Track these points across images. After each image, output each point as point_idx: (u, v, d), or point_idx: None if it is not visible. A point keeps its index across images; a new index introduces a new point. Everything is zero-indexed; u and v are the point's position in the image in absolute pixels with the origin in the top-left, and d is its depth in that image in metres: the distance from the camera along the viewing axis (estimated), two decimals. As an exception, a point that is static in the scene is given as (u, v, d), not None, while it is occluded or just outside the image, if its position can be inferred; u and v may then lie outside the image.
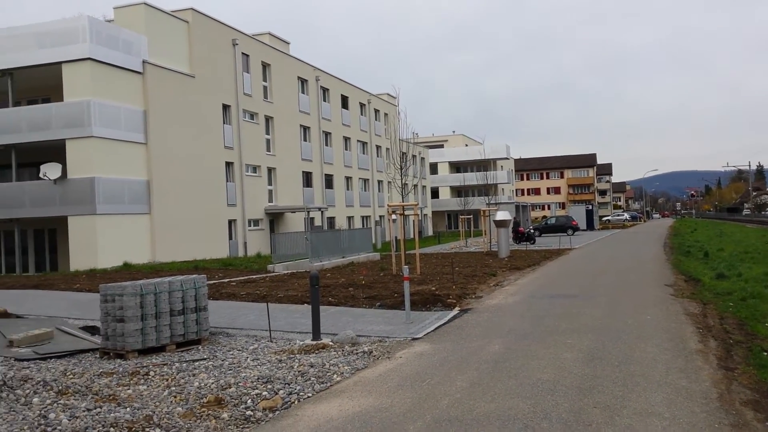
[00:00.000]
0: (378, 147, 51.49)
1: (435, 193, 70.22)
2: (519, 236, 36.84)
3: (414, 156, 40.85)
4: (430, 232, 61.81)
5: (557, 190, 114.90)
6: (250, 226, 33.37)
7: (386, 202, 50.41)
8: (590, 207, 61.95)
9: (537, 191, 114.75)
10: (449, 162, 73.44)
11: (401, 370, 7.76)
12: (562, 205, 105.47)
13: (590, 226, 58.69)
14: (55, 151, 24.97)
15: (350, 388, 7.02)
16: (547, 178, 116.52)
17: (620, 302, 12.68)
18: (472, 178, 63.48)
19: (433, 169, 70.81)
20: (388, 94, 53.99)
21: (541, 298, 13.84)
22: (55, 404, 6.72)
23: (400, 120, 32.42)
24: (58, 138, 24.47)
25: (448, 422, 5.68)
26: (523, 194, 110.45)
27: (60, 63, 24.51)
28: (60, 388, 7.33)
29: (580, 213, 59.04)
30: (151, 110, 26.70)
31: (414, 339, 9.75)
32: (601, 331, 9.66)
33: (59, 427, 6.00)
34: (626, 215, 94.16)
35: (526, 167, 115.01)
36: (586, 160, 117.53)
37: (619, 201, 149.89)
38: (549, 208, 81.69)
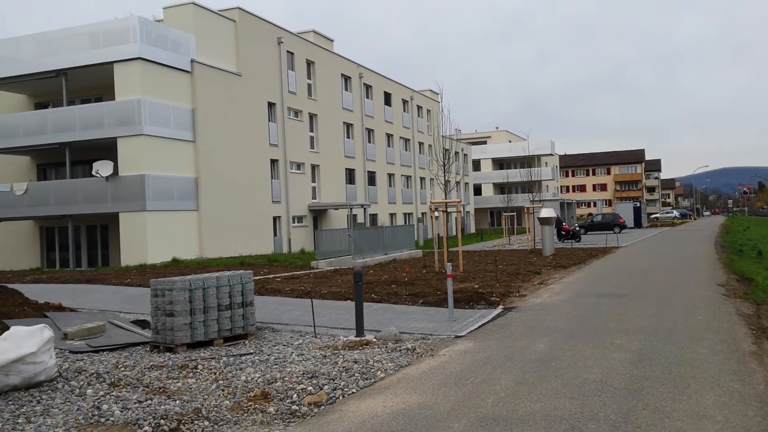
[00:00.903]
0: (420, 144, 51.38)
1: (478, 190, 69.70)
2: (564, 234, 36.28)
3: (457, 153, 40.73)
4: (473, 230, 61.42)
5: (604, 187, 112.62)
6: (294, 222, 33.74)
7: (429, 199, 50.29)
8: (638, 204, 60.57)
9: (582, 188, 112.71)
10: (492, 158, 72.77)
11: (445, 367, 7.75)
12: (609, 203, 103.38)
13: (638, 223, 57.38)
14: (107, 148, 25.70)
15: (394, 385, 7.04)
16: (594, 174, 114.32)
17: (670, 302, 12.37)
18: (515, 175, 62.85)
19: (476, 165, 70.29)
20: (431, 91, 53.80)
21: (588, 297, 13.61)
22: (107, 396, 6.93)
23: (443, 116, 32.34)
24: (110, 136, 25.18)
25: (493, 421, 5.65)
26: (568, 191, 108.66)
27: (112, 63, 25.20)
28: (112, 380, 7.57)
29: (627, 210, 57.79)
30: (198, 108, 27.24)
31: (457, 337, 9.72)
32: (650, 332, 9.45)
33: (112, 418, 6.19)
34: (675, 213, 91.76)
35: (571, 163, 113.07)
36: (634, 156, 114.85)
37: (668, 198, 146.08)
38: (595, 206, 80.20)
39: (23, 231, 29.10)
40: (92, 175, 25.25)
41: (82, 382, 7.49)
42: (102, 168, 24.78)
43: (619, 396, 6.28)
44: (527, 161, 64.59)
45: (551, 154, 76.04)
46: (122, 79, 25.18)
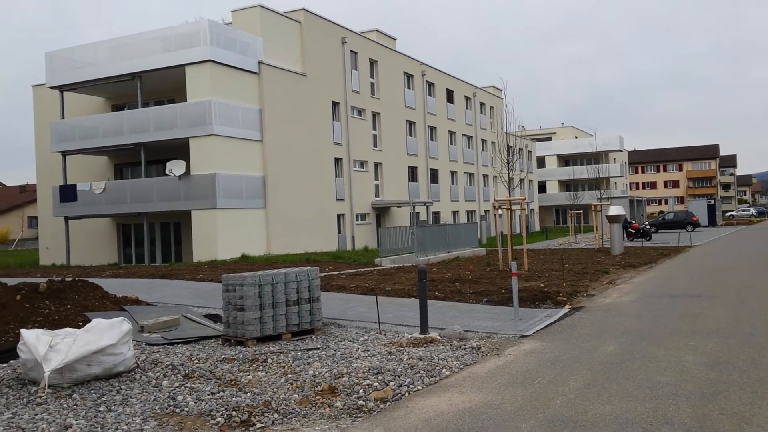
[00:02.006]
0: (483, 141, 50.89)
1: (542, 188, 68.45)
2: (633, 233, 35.19)
3: (520, 149, 40.09)
4: (537, 228, 60.36)
5: (675, 184, 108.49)
6: (357, 220, 34.06)
7: (492, 197, 49.77)
8: (712, 201, 58.10)
9: (653, 185, 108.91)
10: (557, 155, 71.30)
11: (511, 367, 7.68)
12: (681, 200, 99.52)
13: (712, 222, 55.05)
14: (180, 148, 26.64)
15: (459, 383, 7.04)
16: (665, 170, 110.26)
17: (747, 303, 11.84)
18: (582, 172, 61.32)
19: (541, 162, 69.03)
20: (494, 87, 53.18)
21: (659, 297, 13.19)
22: (182, 387, 7.21)
23: (507, 113, 31.93)
24: (183, 136, 26.09)
25: (561, 422, 5.58)
26: (637, 188, 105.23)
27: (183, 65, 26.10)
28: (187, 372, 7.86)
29: (700, 208, 55.54)
30: (266, 109, 27.87)
31: (523, 336, 9.61)
32: (726, 334, 9.08)
33: (186, 409, 6.44)
34: (752, 210, 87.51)
35: (641, 159, 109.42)
36: (708, 152, 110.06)
37: (745, 195, 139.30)
38: (666, 203, 77.38)
39: (102, 228, 30.53)
40: (166, 174, 26.23)
41: (158, 374, 7.82)
42: (175, 167, 25.70)
43: (693, 400, 6.07)
44: (594, 157, 62.94)
45: (619, 150, 73.86)
46: (193, 81, 26.03)
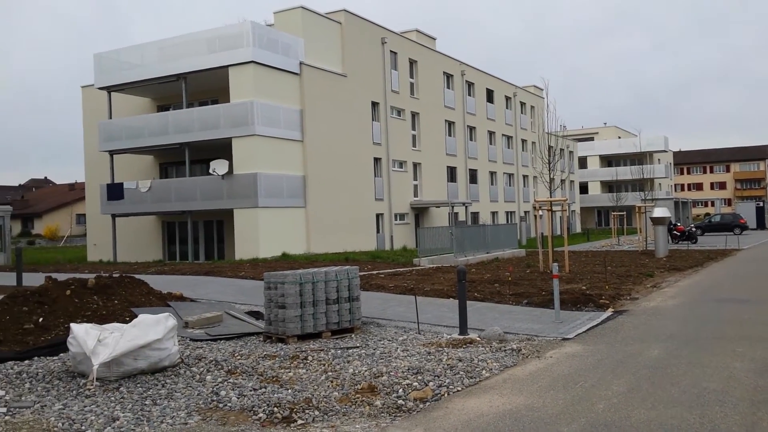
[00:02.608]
0: (524, 141, 50.36)
1: (584, 188, 67.36)
2: (678, 235, 34.36)
3: (562, 150, 39.51)
4: (579, 229, 59.44)
5: (722, 186, 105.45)
6: (396, 220, 34.10)
7: (532, 198, 49.21)
8: (761, 204, 56.27)
9: (699, 186, 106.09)
10: (600, 155, 70.09)
11: (552, 370, 7.60)
12: (728, 202, 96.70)
13: (761, 224, 53.34)
14: (223, 148, 27.10)
15: (500, 385, 7.00)
16: (711, 172, 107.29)
17: (800, 310, 11.45)
18: (625, 173, 60.16)
19: (582, 163, 67.95)
20: (534, 86, 52.57)
21: (706, 301, 12.86)
22: (225, 382, 7.35)
23: (548, 113, 31.52)
24: (226, 136, 26.53)
25: (604, 427, 5.50)
26: (682, 189, 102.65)
27: (227, 66, 26.52)
28: (229, 367, 8.01)
29: (749, 210, 53.83)
30: (306, 109, 28.13)
31: (564, 339, 9.50)
32: (777, 341, 8.81)
33: (229, 404, 6.56)
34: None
35: (686, 160, 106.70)
36: (757, 152, 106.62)
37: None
38: (712, 205, 75.25)
39: (147, 225, 31.27)
40: (209, 174, 26.71)
41: (201, 369, 7.97)
42: (218, 167, 26.16)
43: (742, 407, 5.92)
44: (638, 158, 61.64)
45: (664, 151, 72.21)
46: (236, 82, 26.45)
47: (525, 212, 49.37)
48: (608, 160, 71.04)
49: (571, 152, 57.75)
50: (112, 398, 6.78)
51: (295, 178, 27.59)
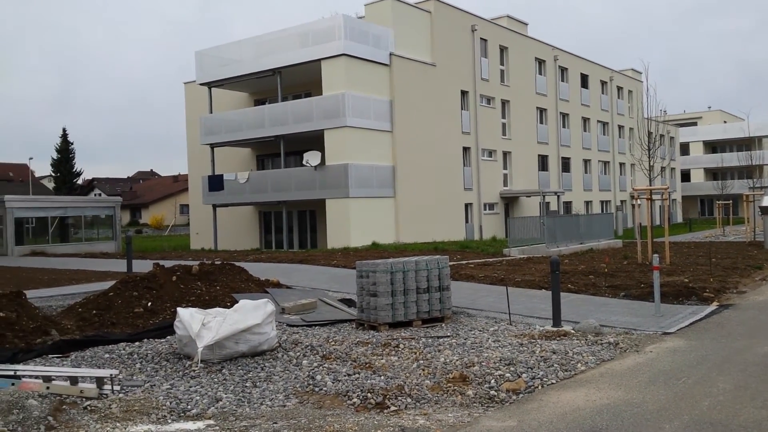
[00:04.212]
0: (620, 127, 48.36)
1: (686, 176, 63.90)
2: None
3: (662, 135, 37.63)
4: (680, 219, 56.53)
5: None
6: (485, 210, 33.74)
7: (629, 186, 47.28)
8: None
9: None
10: (703, 141, 66.22)
11: (652, 365, 7.33)
12: None
13: None
14: (316, 140, 27.75)
15: (596, 379, 6.83)
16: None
17: None
18: (731, 159, 56.59)
19: (684, 149, 64.44)
20: (632, 70, 50.29)
21: (824, 297, 11.95)
22: (320, 367, 7.58)
23: (647, 97, 30.11)
24: (318, 128, 27.15)
25: (709, 425, 5.26)
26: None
27: (319, 60, 27.10)
28: (324, 353, 8.25)
29: None
30: (396, 99, 28.29)
31: (665, 333, 9.12)
32: None
33: (324, 388, 6.77)
34: None
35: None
36: None
37: None
38: (833, 193, 69.36)
39: (245, 215, 32.57)
40: (303, 165, 27.45)
41: (298, 353, 8.26)
42: (311, 158, 26.84)
43: None
44: (746, 143, 57.79)
45: (775, 135, 67.25)
46: (328, 75, 26.97)
47: (621, 201, 47.50)
48: (713, 146, 67.01)
49: (672, 138, 54.88)
50: (215, 379, 7.16)
51: (384, 168, 27.85)
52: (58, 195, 56.03)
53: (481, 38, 33.59)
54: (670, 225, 43.57)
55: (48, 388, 6.29)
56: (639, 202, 21.75)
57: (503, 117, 35.69)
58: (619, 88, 48.36)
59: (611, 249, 24.64)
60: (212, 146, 31.33)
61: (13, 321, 9.13)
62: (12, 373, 6.83)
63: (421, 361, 7.72)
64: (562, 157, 40.71)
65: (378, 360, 7.86)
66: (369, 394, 6.41)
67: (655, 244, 20.04)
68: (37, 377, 6.65)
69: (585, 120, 43.78)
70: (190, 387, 6.88)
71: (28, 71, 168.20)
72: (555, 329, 9.34)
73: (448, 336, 9.28)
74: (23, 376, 6.69)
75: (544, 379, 6.86)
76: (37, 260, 25.82)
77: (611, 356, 7.82)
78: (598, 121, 45.45)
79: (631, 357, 7.77)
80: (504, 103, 35.64)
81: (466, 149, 32.61)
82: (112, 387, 6.62)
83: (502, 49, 35.63)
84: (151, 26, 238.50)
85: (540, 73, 38.86)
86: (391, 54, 28.19)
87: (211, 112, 31.39)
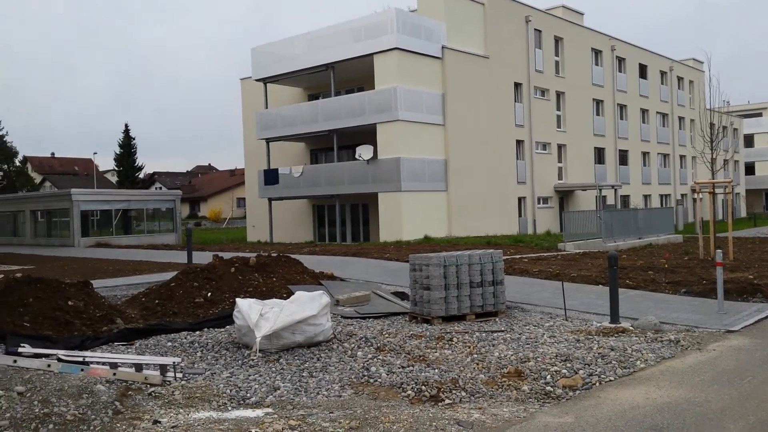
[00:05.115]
0: (681, 119, 46.79)
1: (750, 169, 61.38)
2: None
3: (725, 127, 36.26)
4: (744, 213, 54.37)
5: None
6: (539, 203, 33.25)
7: (690, 179, 45.77)
8: None
9: None
10: (770, 132, 63.43)
11: (716, 363, 7.11)
12: None
13: None
14: (368, 134, 27.88)
15: (656, 377, 6.67)
16: None
17: None
18: (801, 151, 54.06)
19: (749, 141, 61.87)
20: (693, 59, 48.57)
21: None
22: (375, 359, 7.65)
23: (710, 87, 29.08)
24: (370, 122, 27.27)
25: (777, 427, 5.09)
26: None
27: (371, 54, 27.18)
28: (378, 345, 8.32)
29: None
30: (448, 93, 28.14)
31: (729, 331, 8.83)
32: None
33: (379, 380, 6.83)
34: None
35: None
36: None
37: None
38: None
39: (299, 208, 33.04)
40: (355, 159, 27.66)
41: (353, 345, 8.36)
42: (364, 152, 27.00)
43: None
44: (817, 134, 55.08)
45: None
46: (381, 69, 27.03)
47: (681, 195, 46.02)
48: (780, 138, 64.12)
49: (735, 130, 52.77)
50: (273, 369, 7.32)
51: (436, 161, 27.77)
52: (121, 188, 58.08)
53: (535, 29, 33.04)
54: (734, 219, 41.97)
55: (115, 374, 6.57)
56: (701, 195, 21.04)
57: (558, 109, 35.05)
58: (680, 79, 46.79)
59: (671, 244, 23.95)
60: (268, 141, 31.87)
61: (81, 309, 9.55)
62: (81, 359, 7.15)
63: (475, 356, 7.71)
64: (620, 150, 39.72)
65: (432, 353, 7.88)
66: (423, 387, 6.45)
67: (718, 239, 19.35)
68: (104, 364, 6.94)
69: (643, 111, 42.56)
70: (249, 375, 7.06)
71: (92, 69, 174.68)
72: (613, 326, 9.16)
73: (503, 331, 9.22)
74: (91, 363, 6.99)
75: (602, 376, 6.74)
76: (101, 251, 26.88)
77: (672, 354, 7.63)
78: (657, 113, 44.11)
79: (692, 355, 7.56)
80: (559, 94, 34.99)
81: (519, 142, 32.18)
82: (175, 374, 6.86)
83: (557, 40, 34.95)
84: (209, 24, 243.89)
85: (596, 64, 37.96)
86: (443, 47, 28.04)
87: (267, 108, 31.91)
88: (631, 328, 9.03)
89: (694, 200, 20.77)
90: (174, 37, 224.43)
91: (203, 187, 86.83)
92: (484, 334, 8.95)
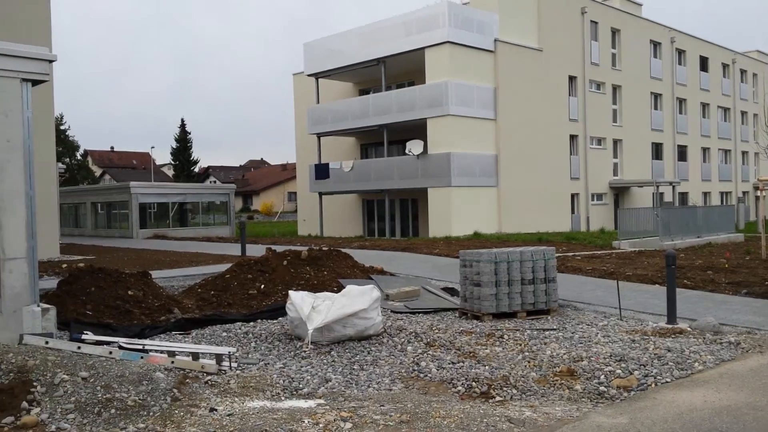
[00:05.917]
0: (743, 113, 45.04)
1: (819, 166, 58.63)
2: None
3: (793, 121, 34.77)
4: (812, 212, 51.98)
5: None
6: (593, 200, 32.58)
7: (753, 176, 44.04)
8: None
9: None
10: (842, 127, 60.41)
11: (779, 368, 6.85)
12: None
13: None
14: (418, 129, 27.84)
15: (715, 380, 6.48)
16: None
17: None
18: None
19: (819, 136, 59.07)
20: (758, 51, 46.67)
21: None
22: (424, 354, 7.67)
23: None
24: (421, 117, 27.21)
25: None
26: None
27: (423, 48, 27.09)
28: (428, 340, 8.34)
29: None
30: (500, 87, 27.83)
31: (794, 335, 8.48)
32: None
33: (429, 375, 6.85)
34: None
35: None
36: None
37: None
38: None
39: (349, 203, 33.29)
40: (405, 154, 27.66)
41: (402, 339, 8.40)
42: (414, 147, 26.98)
43: None
44: None
45: None
46: (432, 63, 26.92)
47: (743, 193, 44.35)
48: None
49: (803, 124, 50.48)
50: (325, 361, 7.43)
51: (487, 157, 27.52)
52: (177, 182, 59.68)
53: (591, 21, 32.34)
54: (800, 218, 40.19)
55: (173, 362, 6.78)
56: (764, 193, 20.24)
57: (614, 103, 34.25)
58: (743, 72, 45.03)
59: (732, 243, 23.13)
60: (319, 135, 32.19)
61: (140, 299, 9.89)
62: (140, 347, 7.41)
63: (527, 353, 7.64)
64: (678, 145, 38.54)
65: (482, 350, 7.85)
66: (474, 383, 6.43)
67: (783, 238, 18.57)
68: (162, 352, 7.17)
69: (704, 106, 41.16)
70: (302, 367, 7.18)
71: (149, 65, 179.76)
72: (670, 326, 8.92)
73: (555, 329, 9.10)
74: (150, 351, 7.24)
75: (658, 378, 6.59)
76: (158, 243, 27.70)
77: (732, 356, 7.38)
78: (719, 107, 42.59)
79: (754, 358, 7.30)
80: (615, 88, 34.17)
81: (573, 137, 31.59)
82: (230, 364, 7.04)
83: (614, 32, 34.11)
84: (263, 20, 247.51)
85: (655, 56, 36.89)
86: (495, 40, 27.73)
87: (318, 102, 32.21)
88: (688, 329, 8.78)
89: (757, 198, 19.92)
90: (229, 32, 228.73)
91: (256, 181, 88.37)
92: (535, 332, 8.86)
